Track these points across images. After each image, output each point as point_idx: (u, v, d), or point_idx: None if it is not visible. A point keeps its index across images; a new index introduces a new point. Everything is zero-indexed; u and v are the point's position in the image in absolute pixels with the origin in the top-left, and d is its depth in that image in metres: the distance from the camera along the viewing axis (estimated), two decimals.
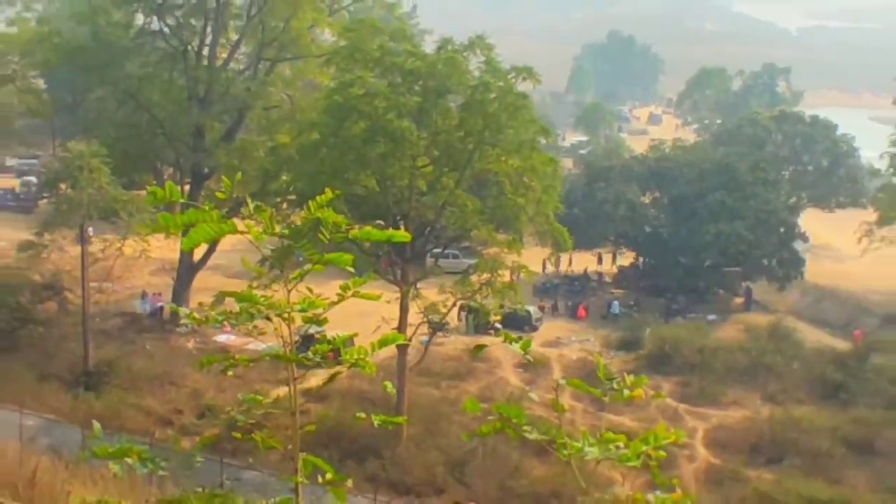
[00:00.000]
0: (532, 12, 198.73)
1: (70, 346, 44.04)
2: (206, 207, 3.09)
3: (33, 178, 62.00)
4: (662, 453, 3.03)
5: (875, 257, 59.25)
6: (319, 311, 3.34)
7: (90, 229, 44.52)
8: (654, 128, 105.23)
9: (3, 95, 50.38)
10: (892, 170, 60.94)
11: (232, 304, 3.41)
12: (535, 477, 35.02)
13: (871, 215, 59.96)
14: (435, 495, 35.15)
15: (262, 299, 3.32)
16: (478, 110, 39.80)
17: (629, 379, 3.29)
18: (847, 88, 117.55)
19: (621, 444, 3.08)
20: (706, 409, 43.63)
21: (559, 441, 3.13)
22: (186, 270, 49.57)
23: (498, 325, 44.91)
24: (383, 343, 3.52)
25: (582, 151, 76.46)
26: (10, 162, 72.96)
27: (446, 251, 47.55)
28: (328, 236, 3.16)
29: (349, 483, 3.37)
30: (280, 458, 3.51)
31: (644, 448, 3.04)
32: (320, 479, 3.28)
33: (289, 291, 3.26)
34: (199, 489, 3.40)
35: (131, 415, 38.00)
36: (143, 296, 51.45)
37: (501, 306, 42.93)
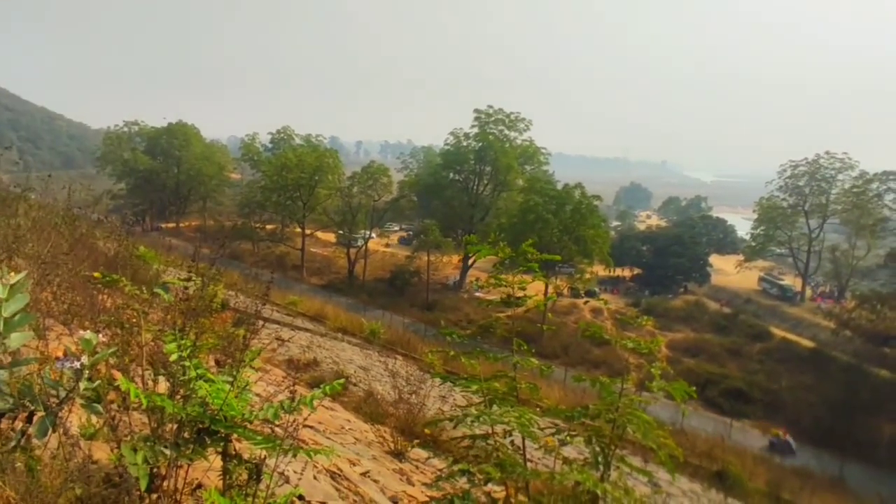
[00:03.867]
0: (594, 175, 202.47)
1: (422, 294, 47.65)
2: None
3: (411, 233, 61.64)
4: (655, 349, 3.14)
5: (742, 275, 56.85)
6: (523, 285, 3.28)
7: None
8: (648, 220, 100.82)
9: (402, 202, 55.36)
10: (749, 239, 58.42)
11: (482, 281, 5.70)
12: (595, 355, 35.78)
13: (740, 258, 58.21)
14: (555, 359, 33.47)
15: (500, 279, 3.29)
16: (577, 210, 43.59)
17: (640, 318, 4.07)
18: (731, 205, 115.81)
19: (639, 343, 3.12)
20: (667, 333, 42.05)
21: (612, 339, 3.32)
22: (466, 268, 51.07)
23: (584, 294, 46.33)
24: (547, 299, 3.79)
25: (619, 228, 74.44)
26: (402, 226, 68.38)
27: (565, 266, 46.79)
28: (529, 257, 3.22)
29: (532, 351, 3.21)
30: (503, 340, 3.27)
31: (648, 345, 3.11)
32: (521, 349, 3.22)
33: (512, 277, 3.27)
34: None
35: (445, 320, 37.88)
36: (455, 278, 52.06)
37: (586, 287, 47.10)
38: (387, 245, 62.52)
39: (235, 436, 2.12)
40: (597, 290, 52.07)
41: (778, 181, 56.15)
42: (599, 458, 2.70)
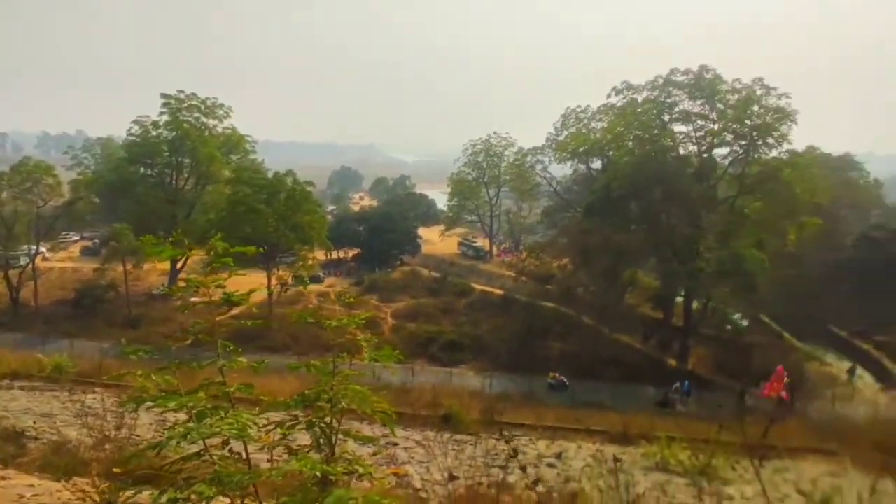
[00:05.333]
0: (306, 161, 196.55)
1: (122, 310, 42.82)
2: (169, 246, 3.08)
3: (97, 241, 54.93)
4: (363, 321, 3.11)
5: (446, 242, 64.32)
6: (222, 283, 2.99)
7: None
8: (362, 201, 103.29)
9: (79, 206, 46.76)
10: (447, 210, 67.06)
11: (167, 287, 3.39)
12: (325, 338, 28.51)
13: (442, 227, 65.64)
14: (286, 350, 35.24)
15: (192, 281, 3.03)
16: (290, 198, 42.73)
17: (353, 296, 4.57)
18: (432, 182, 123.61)
19: (342, 320, 3.08)
20: (390, 304, 45.02)
21: (327, 321, 3.19)
22: (175, 272, 45.92)
23: (308, 280, 46.30)
24: (252, 291, 3.31)
25: (335, 211, 75.78)
26: (84, 234, 61.51)
27: (286, 255, 46.20)
28: (220, 252, 2.96)
29: (240, 350, 3.03)
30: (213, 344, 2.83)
31: (362, 318, 3.11)
32: (227, 350, 2.97)
33: (207, 276, 3.01)
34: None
35: (154, 336, 36.15)
36: (163, 285, 43.36)
37: (309, 273, 46.02)
38: (43, 259, 52.89)
39: None
40: (321, 274, 52.84)
41: (463, 158, 65.21)
42: (322, 441, 2.74)
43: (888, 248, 41.82)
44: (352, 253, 60.89)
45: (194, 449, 2.70)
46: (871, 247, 42.62)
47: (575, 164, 51.36)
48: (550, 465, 9.14)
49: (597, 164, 48.60)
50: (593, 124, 49.28)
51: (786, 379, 29.94)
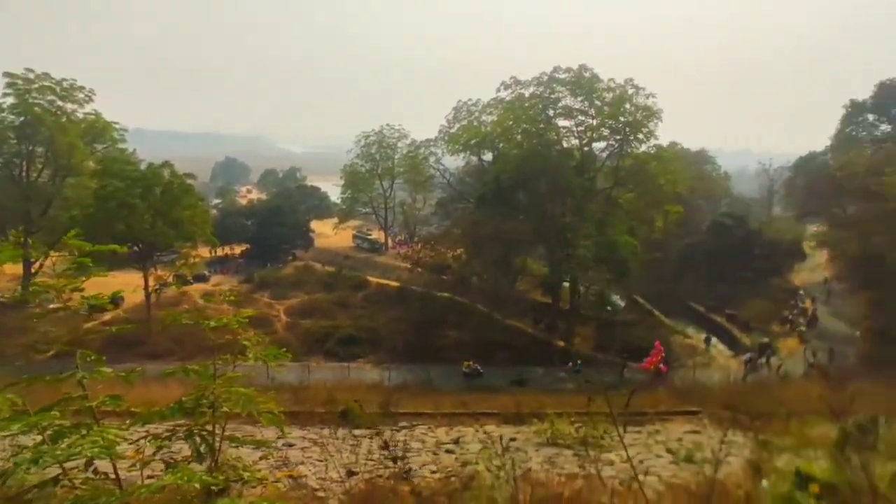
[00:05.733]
0: (183, 151, 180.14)
1: None
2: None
3: None
4: (245, 319, 3.07)
5: (340, 236, 62.67)
6: (79, 286, 2.80)
7: None
8: (250, 195, 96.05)
9: None
10: (340, 203, 64.82)
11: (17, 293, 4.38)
12: (207, 336, 36.77)
13: (336, 220, 63.84)
14: (170, 356, 32.02)
15: (37, 285, 2.96)
16: (168, 192, 39.91)
17: (236, 295, 4.88)
18: (323, 174, 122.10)
19: (235, 317, 3.08)
20: (283, 300, 43.72)
21: (205, 321, 3.14)
22: (29, 276, 40.68)
23: (191, 279, 43.64)
24: (117, 293, 3.28)
25: (221, 205, 72.96)
26: None
27: (167, 253, 44.59)
28: (78, 252, 2.82)
29: (104, 359, 2.72)
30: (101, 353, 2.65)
31: (244, 317, 3.05)
32: (88, 361, 2.66)
33: (57, 277, 2.82)
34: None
35: (10, 349, 27.75)
36: (16, 290, 40.06)
37: (193, 272, 43.27)
38: None
39: None
40: (206, 272, 49.86)
41: (356, 150, 63.91)
42: (202, 449, 2.55)
43: (735, 234, 47.79)
44: (240, 249, 58.06)
45: (51, 474, 2.40)
46: (721, 232, 48.39)
47: (467, 156, 52.17)
48: (449, 451, 9.33)
49: (488, 156, 49.76)
50: (484, 117, 50.31)
51: (662, 353, 33.36)
